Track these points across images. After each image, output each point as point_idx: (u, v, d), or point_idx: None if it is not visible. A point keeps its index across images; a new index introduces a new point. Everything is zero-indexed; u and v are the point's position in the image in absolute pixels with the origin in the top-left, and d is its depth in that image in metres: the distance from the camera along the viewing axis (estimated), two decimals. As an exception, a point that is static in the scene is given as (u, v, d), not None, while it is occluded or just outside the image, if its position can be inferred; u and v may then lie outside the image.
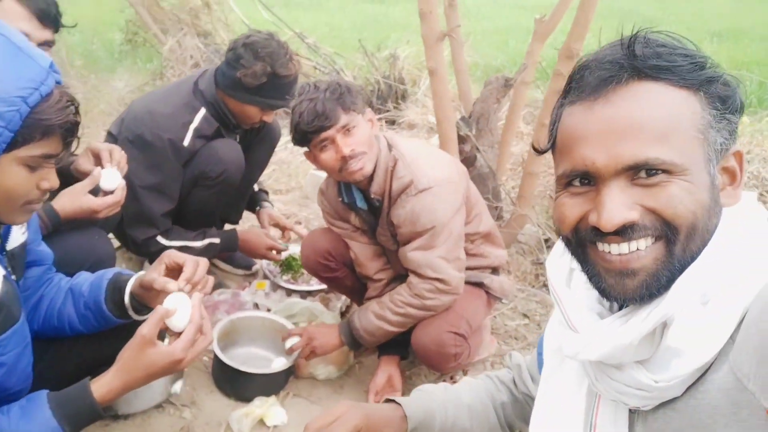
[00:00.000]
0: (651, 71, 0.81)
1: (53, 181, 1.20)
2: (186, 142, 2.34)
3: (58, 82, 1.13)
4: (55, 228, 1.84)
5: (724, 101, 0.82)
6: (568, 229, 0.88)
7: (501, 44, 7.65)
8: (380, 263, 2.29)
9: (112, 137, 2.38)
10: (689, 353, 0.78)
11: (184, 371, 2.20)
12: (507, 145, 3.33)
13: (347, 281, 2.39)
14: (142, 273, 1.50)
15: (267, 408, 2.09)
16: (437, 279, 2.01)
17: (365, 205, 2.16)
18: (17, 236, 1.34)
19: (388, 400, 1.35)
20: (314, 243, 2.36)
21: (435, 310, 2.06)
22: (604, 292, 0.86)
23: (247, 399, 2.14)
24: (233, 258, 2.90)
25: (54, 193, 1.88)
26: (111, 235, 2.51)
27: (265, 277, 2.86)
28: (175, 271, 1.44)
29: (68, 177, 2.01)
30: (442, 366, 2.16)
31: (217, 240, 2.57)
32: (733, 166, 0.87)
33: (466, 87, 3.31)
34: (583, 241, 0.87)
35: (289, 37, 6.24)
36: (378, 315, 2.08)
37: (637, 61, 0.81)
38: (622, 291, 0.83)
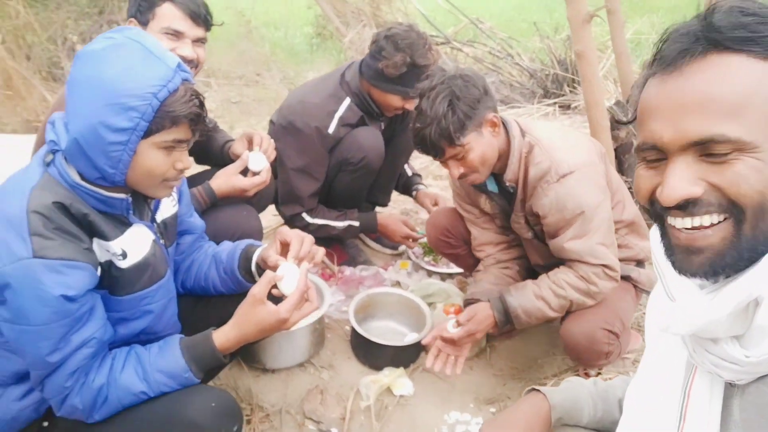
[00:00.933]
0: (731, 43, 0.78)
1: (186, 162, 1.41)
2: (331, 130, 2.54)
3: (185, 80, 1.33)
4: (212, 204, 2.15)
5: None
6: (643, 201, 0.89)
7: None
8: (494, 248, 2.32)
9: (272, 124, 2.66)
10: None
11: (325, 338, 2.44)
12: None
13: (468, 259, 2.44)
14: (266, 245, 1.71)
15: (395, 378, 2.23)
16: (603, 265, 1.94)
17: (496, 188, 2.16)
18: (168, 209, 1.60)
19: (531, 390, 1.34)
20: (436, 221, 2.46)
21: (595, 299, 1.99)
22: (674, 266, 0.87)
23: (378, 368, 2.30)
24: (381, 238, 3.08)
25: (211, 173, 2.19)
26: (275, 213, 2.85)
27: (409, 257, 3.00)
28: (287, 247, 1.62)
29: (226, 159, 2.33)
30: (591, 362, 2.11)
31: (356, 222, 2.76)
32: None
33: (626, 69, 3.14)
34: (658, 214, 0.87)
35: (465, 24, 6.33)
36: (538, 294, 2.02)
37: (715, 32, 0.78)
38: (689, 267, 0.83)
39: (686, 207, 0.80)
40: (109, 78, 1.23)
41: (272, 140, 2.25)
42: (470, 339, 2.09)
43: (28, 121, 3.97)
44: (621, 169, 2.95)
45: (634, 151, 0.90)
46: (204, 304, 1.77)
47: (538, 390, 1.29)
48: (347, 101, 2.56)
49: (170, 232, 1.60)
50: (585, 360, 2.09)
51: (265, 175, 2.17)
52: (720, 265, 0.80)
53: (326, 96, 2.56)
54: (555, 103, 5.07)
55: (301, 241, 1.60)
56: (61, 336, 1.27)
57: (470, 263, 2.49)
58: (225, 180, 2.14)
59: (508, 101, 5.27)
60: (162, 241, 1.54)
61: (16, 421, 1.45)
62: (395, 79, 2.44)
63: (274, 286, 1.50)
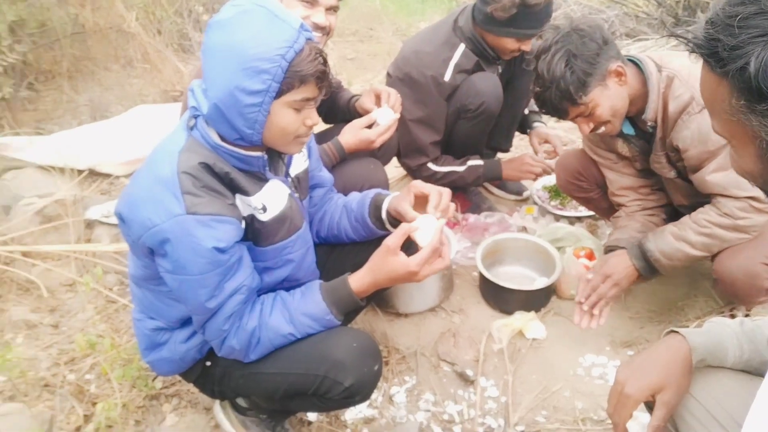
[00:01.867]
0: None
1: (315, 118, 1.48)
2: (447, 78, 2.51)
3: (309, 39, 1.38)
4: (341, 158, 2.24)
5: None
6: None
7: None
8: (636, 194, 2.22)
9: (389, 77, 2.68)
10: None
11: (454, 284, 2.49)
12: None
13: (602, 203, 2.37)
14: (396, 194, 1.76)
15: (526, 321, 2.25)
16: (749, 197, 1.82)
17: (632, 130, 2.07)
18: (300, 164, 1.69)
19: (670, 332, 1.27)
20: (566, 163, 2.39)
21: (747, 232, 1.87)
22: None
23: (508, 312, 2.33)
24: (505, 184, 3.06)
25: (338, 130, 2.27)
26: (398, 165, 2.90)
27: (534, 202, 2.96)
28: (421, 199, 1.66)
29: (353, 114, 2.40)
30: (750, 298, 1.98)
31: (479, 162, 2.74)
32: None
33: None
34: None
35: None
36: (678, 236, 1.93)
37: None
38: None
39: None
40: (239, 44, 1.31)
41: (399, 95, 2.28)
42: (614, 289, 2.01)
43: (165, 92, 4.27)
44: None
45: (696, 102, 0.84)
46: (339, 252, 1.87)
47: (676, 332, 1.23)
48: (461, 47, 2.52)
49: (303, 186, 1.70)
50: (742, 296, 1.97)
51: (392, 127, 2.21)
52: None
53: (440, 44, 2.54)
54: (688, 31, 4.67)
55: (439, 194, 1.64)
56: (216, 284, 1.40)
57: (604, 207, 2.42)
58: (353, 134, 2.21)
59: (633, 34, 4.93)
60: (296, 195, 1.63)
61: (183, 360, 1.63)
62: (507, 22, 2.36)
63: (408, 239, 1.55)
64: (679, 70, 1.89)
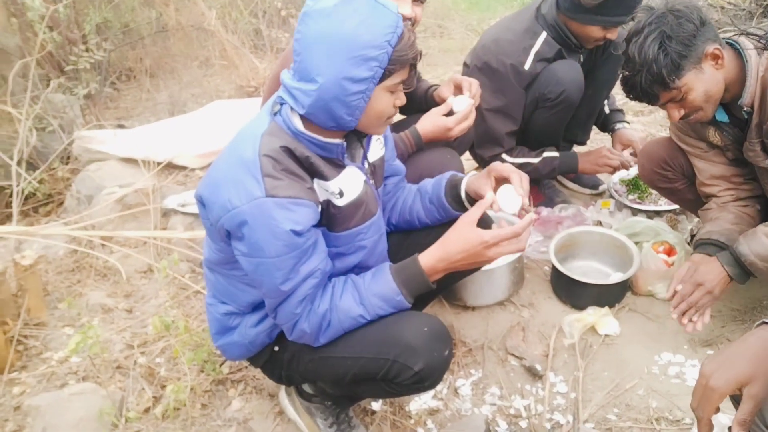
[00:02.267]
0: None
1: (402, 99, 1.48)
2: (527, 66, 2.45)
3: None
4: (419, 147, 2.20)
5: None
6: None
7: None
8: (728, 183, 2.08)
9: (466, 67, 2.64)
10: None
11: (524, 278, 2.42)
12: None
13: (688, 194, 2.24)
14: (473, 173, 1.72)
15: (599, 317, 2.16)
16: None
17: (726, 117, 1.95)
18: (376, 151, 1.67)
19: (762, 324, 1.18)
20: (651, 152, 2.27)
21: None
22: None
23: (580, 307, 2.24)
24: (580, 178, 2.96)
25: (415, 120, 2.24)
26: (469, 158, 2.85)
27: (611, 196, 2.84)
28: (500, 182, 1.63)
29: (430, 104, 2.36)
30: None
31: (555, 153, 2.65)
32: None
33: None
34: None
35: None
36: None
37: None
38: None
39: None
40: (347, 33, 1.30)
41: (479, 86, 2.25)
42: (707, 297, 1.90)
43: (241, 87, 4.39)
44: None
45: None
46: (411, 240, 1.84)
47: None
48: (543, 35, 2.45)
49: (378, 173, 1.69)
50: None
51: (470, 115, 2.17)
52: None
53: (521, 32, 2.48)
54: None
55: (520, 176, 1.61)
56: (291, 267, 1.40)
57: (689, 198, 2.28)
58: (430, 121, 2.18)
59: (719, 26, 4.67)
60: (372, 182, 1.62)
61: (253, 344, 1.64)
62: (594, 9, 2.28)
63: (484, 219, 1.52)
64: None
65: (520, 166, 2.59)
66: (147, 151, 3.33)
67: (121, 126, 3.95)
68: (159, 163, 3.24)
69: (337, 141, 1.46)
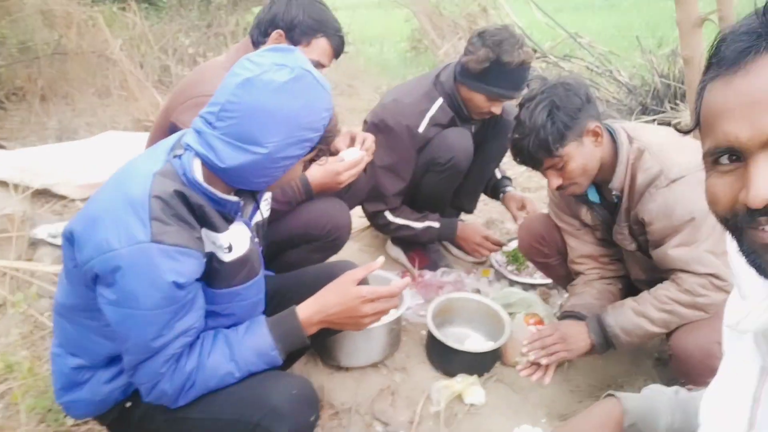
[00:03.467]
0: None
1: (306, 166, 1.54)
2: (421, 129, 2.55)
3: None
4: (308, 196, 2.19)
5: None
6: (724, 211, 0.84)
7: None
8: (596, 263, 2.21)
9: (365, 123, 2.70)
10: None
11: (401, 340, 2.43)
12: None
13: (560, 270, 2.35)
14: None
15: (467, 385, 2.18)
16: (710, 274, 1.81)
17: (598, 198, 2.08)
18: (264, 211, 1.66)
19: (608, 396, 1.27)
20: (530, 227, 2.39)
21: (706, 310, 1.84)
22: (760, 269, 0.82)
23: (451, 374, 2.25)
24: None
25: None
26: (361, 215, 2.87)
27: (491, 265, 2.94)
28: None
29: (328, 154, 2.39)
30: (701, 378, 1.90)
31: (436, 224, 2.73)
32: None
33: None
34: (737, 226, 0.83)
35: (563, 39, 6.20)
36: (638, 311, 1.91)
37: None
38: None
39: None
40: (293, 112, 1.31)
41: (374, 142, 2.30)
42: (562, 351, 1.98)
43: (138, 120, 4.26)
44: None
45: (703, 159, 0.86)
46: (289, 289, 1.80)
47: (614, 395, 1.24)
48: (440, 101, 2.56)
49: (263, 233, 1.66)
50: (694, 375, 1.89)
51: (360, 164, 2.19)
52: None
53: (420, 95, 2.58)
54: (654, 120, 4.83)
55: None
56: (166, 322, 1.30)
57: (561, 274, 2.40)
58: (319, 167, 2.18)
59: (602, 117, 5.06)
60: (257, 240, 1.59)
61: (104, 402, 1.49)
62: (479, 76, 2.42)
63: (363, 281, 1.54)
64: (650, 144, 1.91)
65: (399, 227, 2.70)
66: (25, 175, 3.13)
67: (1, 147, 3.70)
68: (32, 189, 3.04)
69: (234, 199, 1.42)
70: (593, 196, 2.07)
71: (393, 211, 2.71)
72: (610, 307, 1.99)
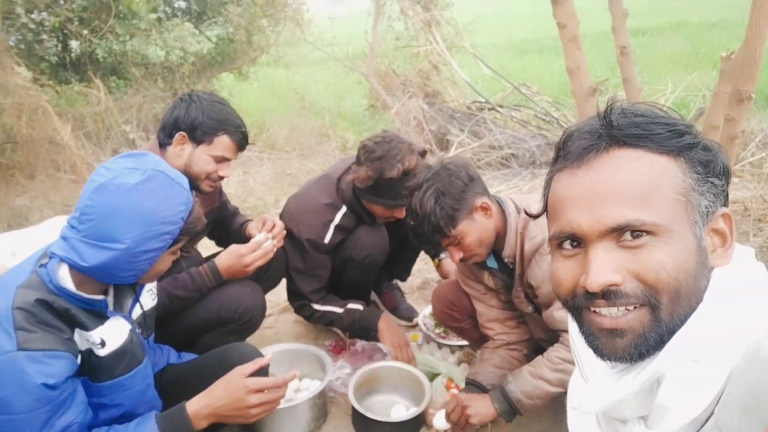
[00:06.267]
0: (629, 139, 0.85)
1: (177, 254, 1.59)
2: (327, 240, 2.57)
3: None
4: (218, 281, 2.26)
5: (705, 165, 0.85)
6: (566, 292, 0.91)
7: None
8: (503, 327, 2.29)
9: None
10: (676, 410, 0.81)
11: (328, 413, 2.46)
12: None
13: (473, 333, 2.44)
14: None
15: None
16: None
17: (496, 264, 2.18)
18: (147, 301, 1.74)
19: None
20: (441, 294, 2.49)
21: None
22: (597, 351, 0.89)
23: (375, 445, 2.29)
24: (397, 309, 3.11)
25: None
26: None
27: (420, 330, 3.00)
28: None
29: (243, 239, 2.45)
30: None
31: (359, 306, 2.73)
32: (723, 228, 0.87)
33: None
34: (577, 306, 0.90)
35: (512, 90, 6.40)
36: (534, 374, 2.02)
37: (615, 130, 0.85)
38: (613, 349, 0.86)
39: (609, 296, 0.83)
40: (146, 210, 1.42)
41: (284, 229, 2.38)
42: (467, 428, 2.07)
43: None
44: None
45: (549, 242, 0.95)
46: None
47: None
48: (343, 209, 2.59)
49: (148, 323, 1.74)
50: None
51: (267, 248, 2.26)
52: (644, 347, 0.83)
53: (322, 205, 2.58)
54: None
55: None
56: (43, 422, 1.37)
57: (475, 337, 2.48)
58: (226, 251, 2.26)
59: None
60: (138, 330, 1.66)
61: None
62: (370, 191, 2.45)
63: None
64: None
65: (324, 314, 2.71)
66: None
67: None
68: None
69: (100, 297, 1.50)
70: (491, 263, 2.17)
71: (318, 300, 2.72)
72: (510, 375, 2.07)
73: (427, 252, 3.09)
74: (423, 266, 3.41)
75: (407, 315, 3.10)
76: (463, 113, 6.24)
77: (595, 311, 0.85)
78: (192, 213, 1.50)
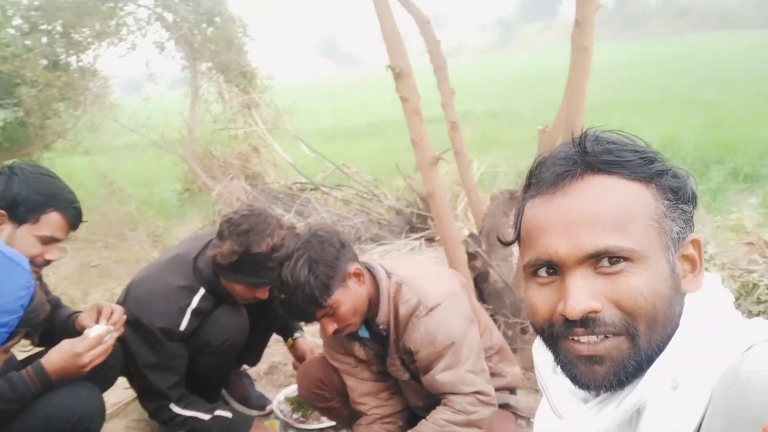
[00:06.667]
0: (603, 165, 0.85)
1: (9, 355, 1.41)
2: (183, 326, 2.30)
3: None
4: (45, 385, 1.88)
5: (675, 192, 0.87)
6: (542, 320, 0.88)
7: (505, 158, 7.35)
8: (376, 400, 2.22)
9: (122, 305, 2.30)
10: None
11: None
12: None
13: (344, 411, 2.32)
14: None
15: None
16: (475, 392, 1.93)
17: (367, 333, 2.12)
18: None
19: None
20: (308, 372, 2.34)
21: (480, 426, 1.95)
22: (575, 379, 0.86)
23: None
24: (247, 398, 2.88)
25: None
26: (126, 387, 2.56)
27: (276, 417, 2.80)
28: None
29: (71, 334, 2.08)
30: None
31: (228, 414, 2.47)
32: (692, 253, 0.89)
33: (477, 203, 3.32)
34: (556, 335, 0.87)
35: (333, 170, 6.58)
36: None
37: (589, 156, 0.85)
38: (592, 377, 0.84)
39: (587, 324, 0.82)
40: None
41: (123, 314, 2.10)
42: None
43: None
44: (481, 297, 3.01)
45: (523, 270, 0.92)
46: None
47: None
48: (201, 291, 2.34)
49: None
50: None
51: (106, 341, 1.97)
52: (623, 374, 0.82)
53: (176, 289, 2.31)
54: (421, 237, 5.24)
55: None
56: None
57: (345, 415, 2.37)
58: (56, 349, 1.90)
59: (377, 239, 5.39)
60: None
61: None
62: (232, 267, 2.23)
63: None
64: (406, 277, 2.02)
65: (187, 419, 2.37)
66: None
67: None
68: None
69: None
70: (363, 332, 2.12)
71: (179, 401, 2.38)
72: None
73: (278, 332, 2.91)
74: (270, 350, 3.21)
75: (259, 404, 2.87)
76: (286, 194, 6.24)
77: (572, 339, 0.85)
78: (33, 299, 1.29)
